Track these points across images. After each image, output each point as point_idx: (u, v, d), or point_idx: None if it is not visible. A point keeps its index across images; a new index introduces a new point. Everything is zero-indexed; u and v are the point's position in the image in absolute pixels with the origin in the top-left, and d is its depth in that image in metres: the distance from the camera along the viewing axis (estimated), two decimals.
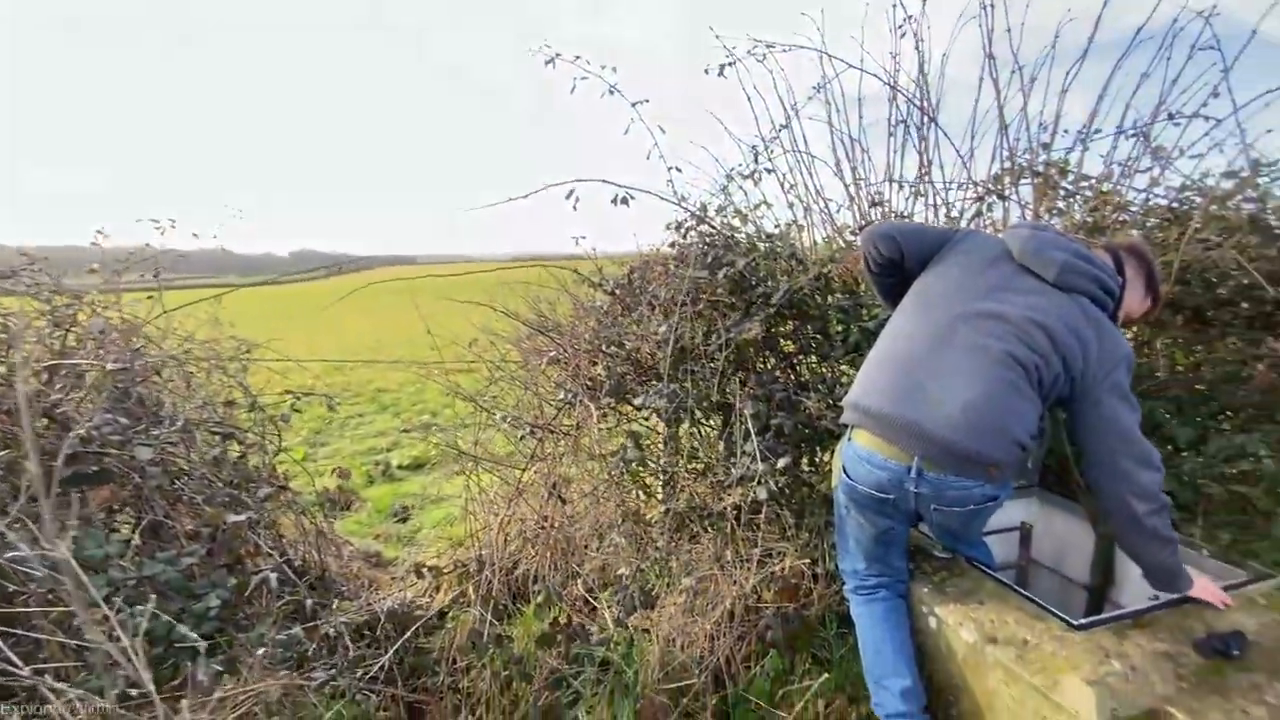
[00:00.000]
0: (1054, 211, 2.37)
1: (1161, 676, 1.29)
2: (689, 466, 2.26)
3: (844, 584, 1.76)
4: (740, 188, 2.98)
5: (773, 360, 2.57)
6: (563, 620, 1.95)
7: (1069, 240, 1.55)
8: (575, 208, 2.21)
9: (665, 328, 2.32)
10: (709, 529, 2.27)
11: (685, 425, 2.41)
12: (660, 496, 2.46)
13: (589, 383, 2.43)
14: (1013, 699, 1.38)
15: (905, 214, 2.69)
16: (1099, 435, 1.44)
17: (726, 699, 1.91)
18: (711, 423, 2.46)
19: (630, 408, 2.51)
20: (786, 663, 1.92)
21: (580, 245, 2.87)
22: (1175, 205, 2.27)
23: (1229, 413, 1.91)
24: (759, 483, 1.84)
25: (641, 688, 1.78)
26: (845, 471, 1.57)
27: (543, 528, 2.31)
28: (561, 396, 2.20)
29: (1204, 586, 1.48)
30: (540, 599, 2.02)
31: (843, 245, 2.80)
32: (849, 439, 1.56)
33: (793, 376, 2.52)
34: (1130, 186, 2.48)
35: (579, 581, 2.35)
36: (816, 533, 2.01)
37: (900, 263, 1.64)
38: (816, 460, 2.24)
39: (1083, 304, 1.48)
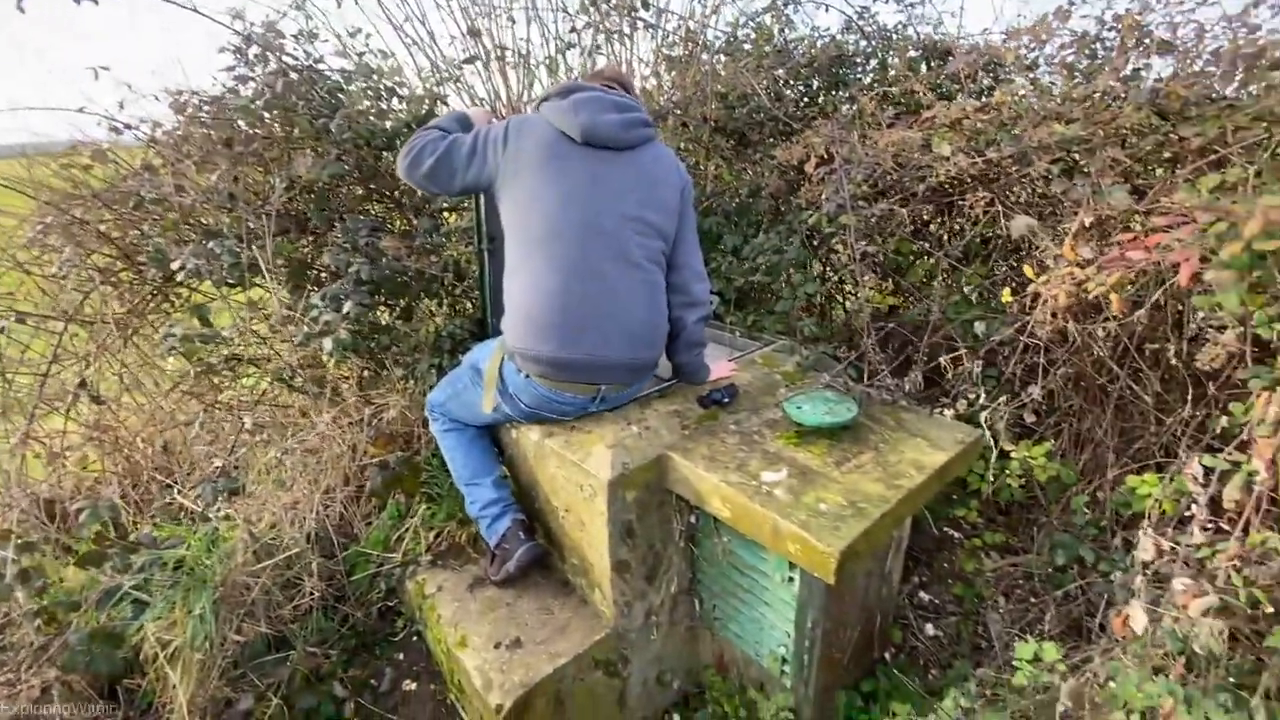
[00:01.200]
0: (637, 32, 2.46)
1: (669, 429, 1.54)
2: (260, 334, 1.99)
3: (431, 411, 1.74)
4: (321, 11, 2.52)
5: (374, 208, 2.35)
6: (113, 535, 1.64)
7: (600, 91, 1.52)
8: (21, 9, 1.60)
9: (217, 176, 1.92)
10: (321, 396, 2.08)
11: (261, 290, 2.11)
12: (248, 376, 2.17)
13: (125, 257, 1.94)
14: (564, 478, 1.54)
15: (501, 47, 2.56)
16: (675, 258, 1.61)
17: (340, 560, 1.85)
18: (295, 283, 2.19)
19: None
20: (403, 508, 1.92)
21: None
22: (732, 39, 2.52)
23: (761, 218, 2.29)
24: (329, 333, 1.68)
25: (224, 575, 1.61)
26: (518, 399, 1.54)
27: (93, 440, 1.88)
28: (57, 271, 1.70)
29: (719, 369, 1.79)
30: (84, 518, 1.66)
31: (451, 78, 2.60)
32: (524, 375, 1.51)
33: (399, 224, 2.34)
34: (706, 24, 2.69)
35: (173, 490, 2.01)
36: (421, 379, 1.97)
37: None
38: (417, 307, 2.15)
39: (654, 149, 1.58)
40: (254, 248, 1.82)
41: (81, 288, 1.90)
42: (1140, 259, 1.28)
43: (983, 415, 1.59)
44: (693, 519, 1.61)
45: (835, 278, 2.21)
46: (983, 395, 1.59)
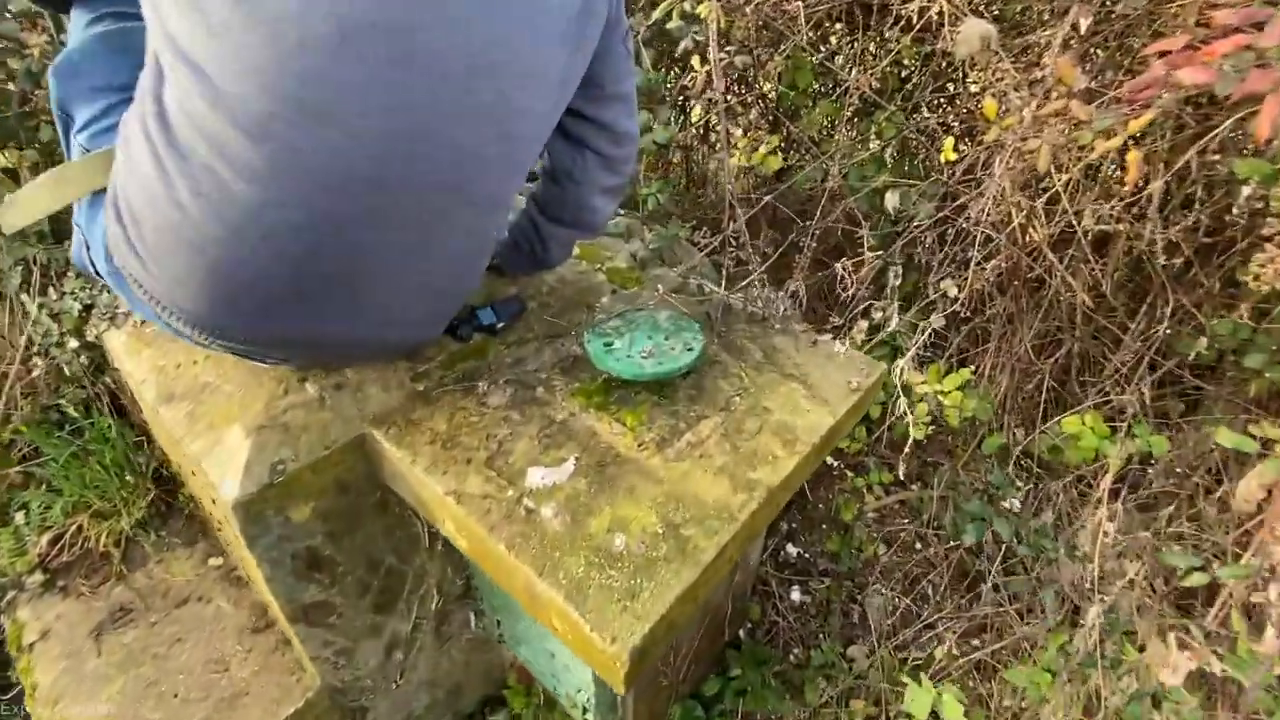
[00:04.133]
0: None
1: (388, 384, 0.89)
2: None
3: None
4: None
5: None
6: None
7: None
8: None
9: None
10: None
11: None
12: None
13: None
14: (191, 469, 0.88)
15: None
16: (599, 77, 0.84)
17: None
18: None
19: None
20: None
21: None
22: None
23: None
24: None
25: None
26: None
27: None
28: None
29: None
30: None
31: None
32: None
33: None
34: None
35: None
36: None
37: None
38: None
39: None
40: None
41: None
42: (1198, 81, 0.71)
43: (895, 338, 1.06)
44: None
45: (702, 120, 1.53)
46: (895, 315, 1.04)
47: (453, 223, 0.72)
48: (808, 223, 1.37)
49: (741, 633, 1.41)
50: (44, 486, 1.18)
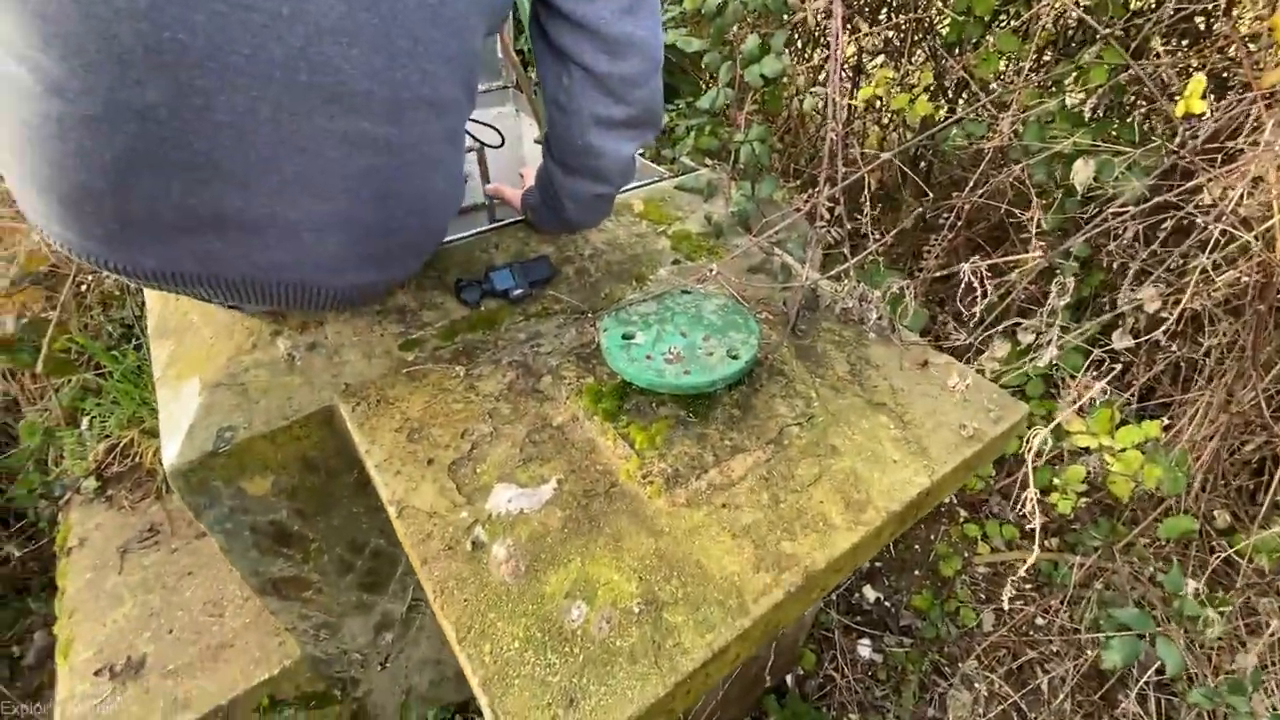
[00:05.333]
0: None
1: (369, 351, 0.76)
2: None
3: None
4: None
5: None
6: None
7: None
8: None
9: None
10: None
11: None
12: None
13: None
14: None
15: None
16: None
17: None
18: None
19: None
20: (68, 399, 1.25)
21: None
22: None
23: None
24: None
25: None
26: None
27: None
28: None
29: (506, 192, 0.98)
30: None
31: None
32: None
33: None
34: None
35: None
36: None
37: None
38: None
39: None
40: None
41: None
42: None
43: (1051, 367, 0.75)
44: None
45: (816, 48, 1.21)
46: (1055, 332, 0.73)
47: (320, 127, 0.52)
48: (955, 195, 1.05)
49: (789, 679, 1.19)
50: (111, 396, 1.21)
